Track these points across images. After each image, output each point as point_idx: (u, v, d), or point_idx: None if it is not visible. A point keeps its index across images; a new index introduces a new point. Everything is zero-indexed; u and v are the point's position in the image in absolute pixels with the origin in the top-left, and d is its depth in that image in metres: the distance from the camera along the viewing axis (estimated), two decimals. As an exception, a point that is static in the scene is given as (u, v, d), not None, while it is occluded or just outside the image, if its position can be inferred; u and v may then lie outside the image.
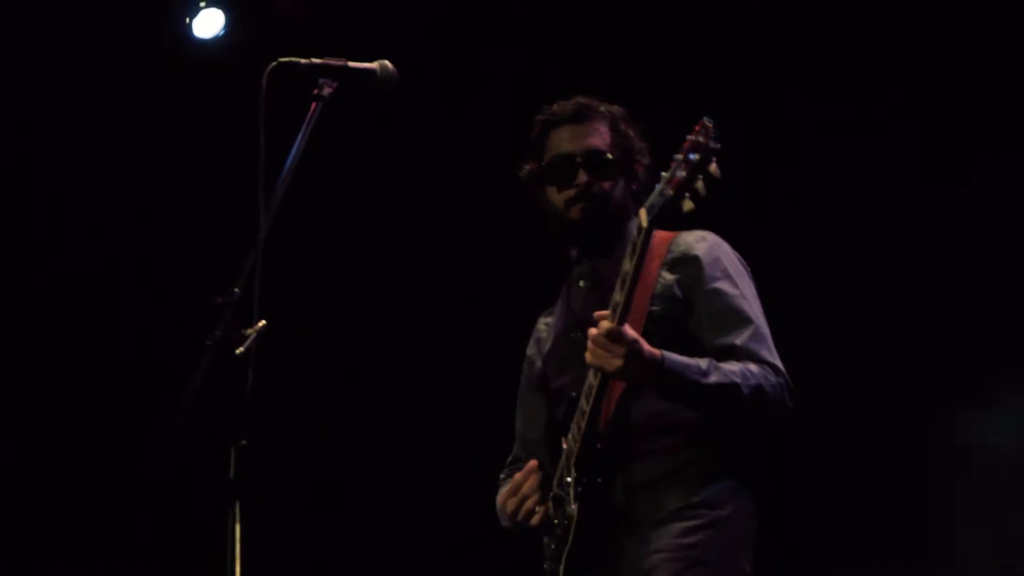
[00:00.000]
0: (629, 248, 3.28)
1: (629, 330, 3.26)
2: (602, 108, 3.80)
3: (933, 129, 5.85)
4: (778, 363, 3.52)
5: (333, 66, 3.34)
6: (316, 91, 3.31)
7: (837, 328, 5.96)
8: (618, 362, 3.24)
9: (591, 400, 3.40)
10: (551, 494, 3.56)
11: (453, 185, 6.38)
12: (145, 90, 6.60)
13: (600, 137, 3.75)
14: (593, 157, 3.72)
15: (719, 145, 3.11)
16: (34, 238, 6.83)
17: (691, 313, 3.58)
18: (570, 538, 3.46)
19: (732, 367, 3.42)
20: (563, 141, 3.76)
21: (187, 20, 6.58)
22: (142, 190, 6.75)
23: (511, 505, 3.63)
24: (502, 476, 3.94)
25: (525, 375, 3.98)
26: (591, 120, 3.77)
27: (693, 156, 3.11)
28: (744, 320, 3.54)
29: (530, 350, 3.98)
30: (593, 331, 3.28)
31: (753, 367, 3.45)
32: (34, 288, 6.80)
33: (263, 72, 3.24)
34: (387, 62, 3.45)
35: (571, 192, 3.71)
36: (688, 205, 3.13)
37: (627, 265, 3.27)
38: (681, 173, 3.13)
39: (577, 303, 3.78)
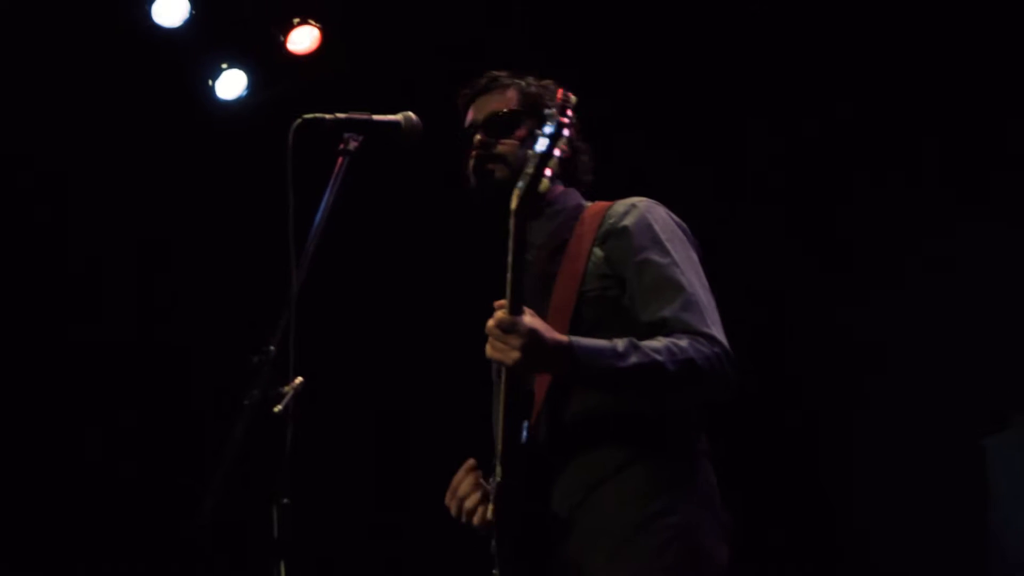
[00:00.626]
0: (510, 232, 3.00)
1: (526, 319, 2.97)
2: (515, 78, 3.63)
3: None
4: (714, 331, 3.18)
5: (357, 120, 3.35)
6: (342, 145, 3.32)
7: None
8: (515, 354, 2.96)
9: (502, 394, 3.10)
10: (490, 492, 3.29)
11: (486, 235, 6.38)
12: (173, 153, 6.67)
13: (504, 102, 3.58)
14: (490, 119, 3.55)
15: (568, 119, 2.93)
16: (69, 299, 6.86)
17: (623, 289, 3.29)
18: (493, 541, 3.22)
19: (656, 344, 3.10)
20: (470, 114, 3.62)
21: (209, 82, 6.65)
22: (174, 251, 6.80)
23: (452, 506, 3.39)
24: None
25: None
26: (499, 89, 3.61)
27: (548, 129, 2.92)
28: (676, 289, 3.22)
29: None
30: (489, 323, 3.00)
31: (682, 340, 3.12)
32: (70, 349, 6.83)
33: (289, 129, 3.25)
34: (411, 113, 3.46)
35: (471, 158, 3.52)
36: (545, 184, 2.91)
37: (510, 249, 2.98)
38: (539, 149, 2.92)
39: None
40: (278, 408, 2.99)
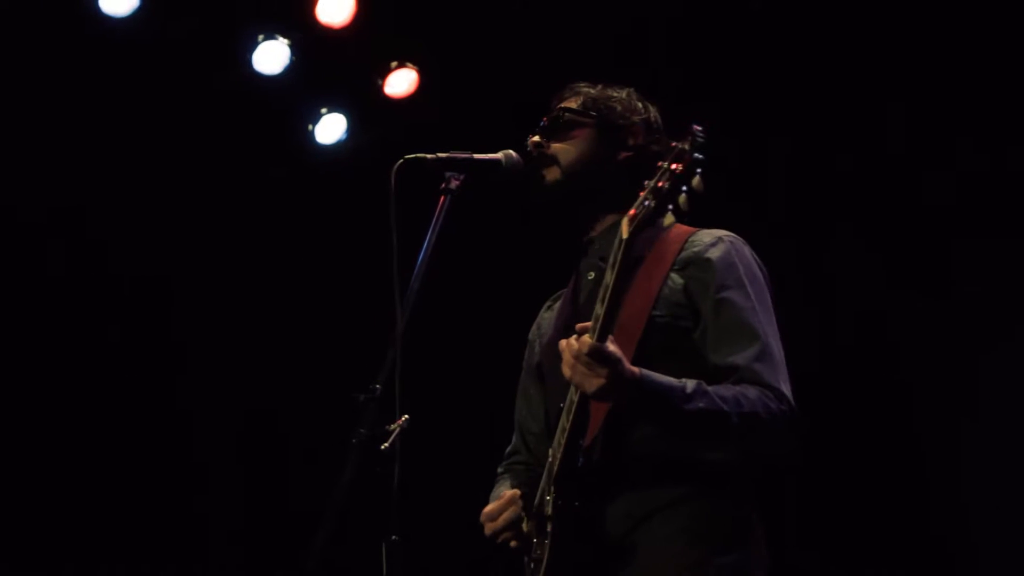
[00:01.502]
0: (611, 258, 2.98)
1: (611, 347, 2.93)
2: (588, 87, 3.55)
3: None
4: (783, 387, 3.13)
5: (459, 159, 3.34)
6: (444, 185, 3.32)
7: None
8: (599, 382, 2.92)
9: (571, 416, 3.07)
10: (534, 507, 3.24)
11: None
12: (276, 197, 6.77)
13: (564, 104, 3.53)
14: (549, 121, 3.50)
15: (702, 156, 2.81)
16: (172, 341, 6.98)
17: (697, 322, 3.22)
18: (545, 561, 3.15)
19: (725, 391, 3.06)
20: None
21: (309, 127, 6.75)
22: (279, 294, 6.89)
23: (487, 529, 3.35)
24: (499, 470, 3.68)
25: (526, 361, 3.70)
26: (569, 96, 3.56)
27: (675, 167, 2.83)
28: (751, 336, 3.16)
29: (532, 334, 3.70)
30: (573, 344, 2.96)
31: (751, 391, 3.08)
32: (177, 393, 6.95)
33: (388, 170, 3.27)
34: (511, 151, 3.45)
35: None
36: (669, 219, 2.85)
37: (608, 277, 2.96)
38: (664, 183, 2.84)
39: (581, 297, 3.45)
40: (385, 446, 3.00)
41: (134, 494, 6.72)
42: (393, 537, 2.97)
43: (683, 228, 3.32)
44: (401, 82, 6.66)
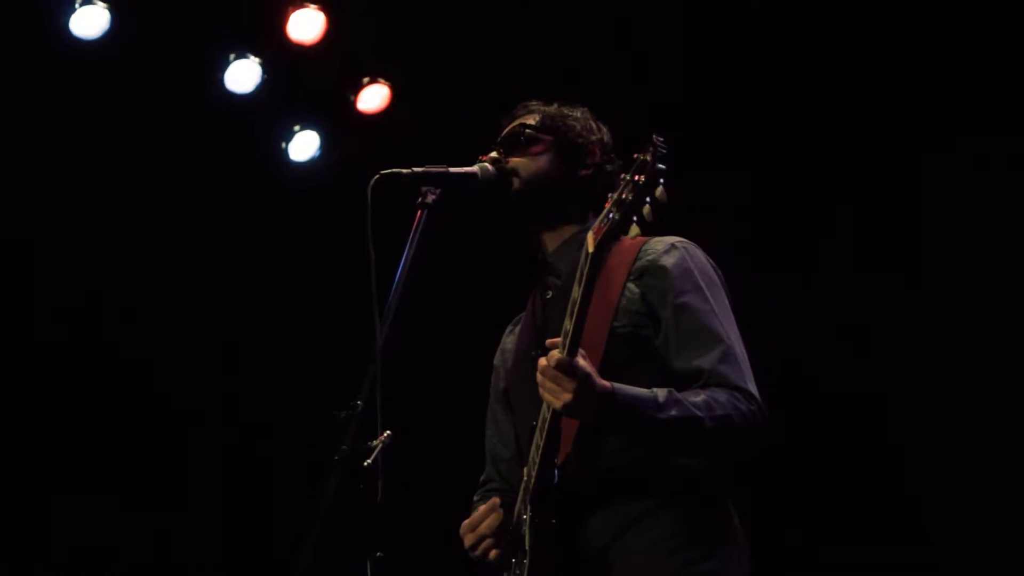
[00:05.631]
0: (578, 272, 3.00)
1: (581, 362, 2.96)
2: (543, 105, 3.60)
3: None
4: (750, 387, 3.16)
5: (434, 173, 3.35)
6: (420, 199, 3.32)
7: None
8: (567, 396, 2.94)
9: (544, 433, 3.09)
10: (511, 526, 3.26)
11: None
12: (249, 216, 6.76)
13: (521, 120, 3.56)
14: (507, 137, 3.54)
15: (664, 166, 2.81)
16: (147, 361, 6.96)
17: (658, 330, 3.24)
18: (506, 574, 3.19)
19: (695, 397, 3.07)
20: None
21: (283, 145, 6.74)
22: (256, 312, 6.87)
23: (468, 540, 3.34)
24: (475, 498, 3.67)
25: (492, 388, 3.70)
26: (524, 113, 3.60)
27: (638, 177, 2.83)
28: (713, 339, 3.18)
29: (496, 361, 3.71)
30: (543, 361, 2.98)
31: (720, 395, 3.10)
32: (158, 410, 6.92)
33: (363, 186, 3.27)
34: (487, 164, 3.46)
35: None
36: (634, 230, 2.86)
37: (575, 292, 2.98)
38: (627, 195, 2.85)
39: (541, 316, 3.46)
40: (367, 462, 3.00)
41: (116, 512, 6.71)
42: (378, 553, 2.96)
43: (632, 239, 3.31)
44: (373, 98, 6.67)
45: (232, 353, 6.94)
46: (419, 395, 5.98)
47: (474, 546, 3.33)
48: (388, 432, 3.04)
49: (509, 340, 3.68)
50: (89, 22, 6.10)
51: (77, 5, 6.06)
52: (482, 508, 3.36)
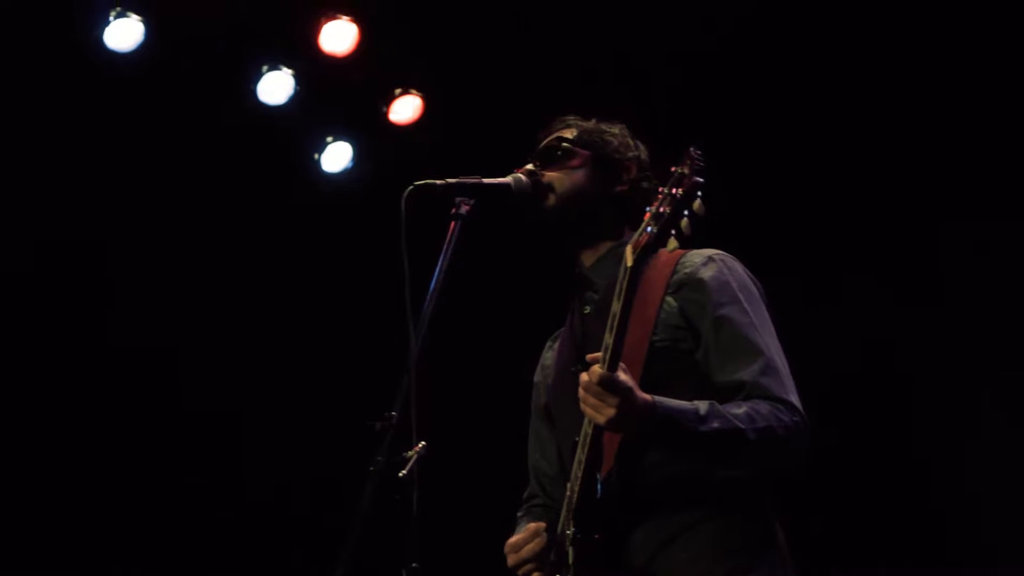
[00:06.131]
0: (617, 287, 3.00)
1: (622, 376, 2.95)
2: (580, 120, 3.59)
3: None
4: (792, 398, 3.14)
5: (468, 184, 3.34)
6: (454, 210, 3.31)
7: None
8: (610, 411, 2.94)
9: (587, 448, 3.07)
10: (556, 540, 3.24)
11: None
12: (283, 226, 6.78)
13: (559, 134, 3.55)
14: (543, 150, 3.53)
15: (702, 179, 2.84)
16: (180, 372, 7.01)
17: (697, 343, 3.22)
18: None
19: (737, 409, 3.06)
20: None
21: (315, 155, 6.76)
22: (292, 323, 6.89)
23: (511, 560, 3.34)
24: (519, 514, 3.63)
25: (533, 403, 3.68)
26: (561, 127, 3.58)
27: (676, 191, 2.86)
28: (754, 351, 3.17)
29: (537, 377, 3.69)
30: (584, 377, 2.97)
31: (763, 406, 3.09)
32: (190, 418, 6.97)
33: (396, 197, 3.26)
34: (521, 175, 3.46)
35: None
36: (672, 244, 2.88)
37: (615, 306, 2.98)
38: (665, 208, 2.88)
39: (580, 331, 3.45)
40: (402, 473, 3.00)
41: (159, 522, 6.79)
42: (413, 564, 2.95)
43: (675, 250, 3.29)
44: (406, 108, 6.68)
45: (265, 364, 6.95)
46: (454, 406, 5.99)
47: (517, 567, 3.34)
48: (423, 443, 3.03)
49: (549, 356, 3.67)
50: (123, 35, 6.15)
51: (112, 18, 6.11)
52: (525, 531, 3.36)
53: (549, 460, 3.56)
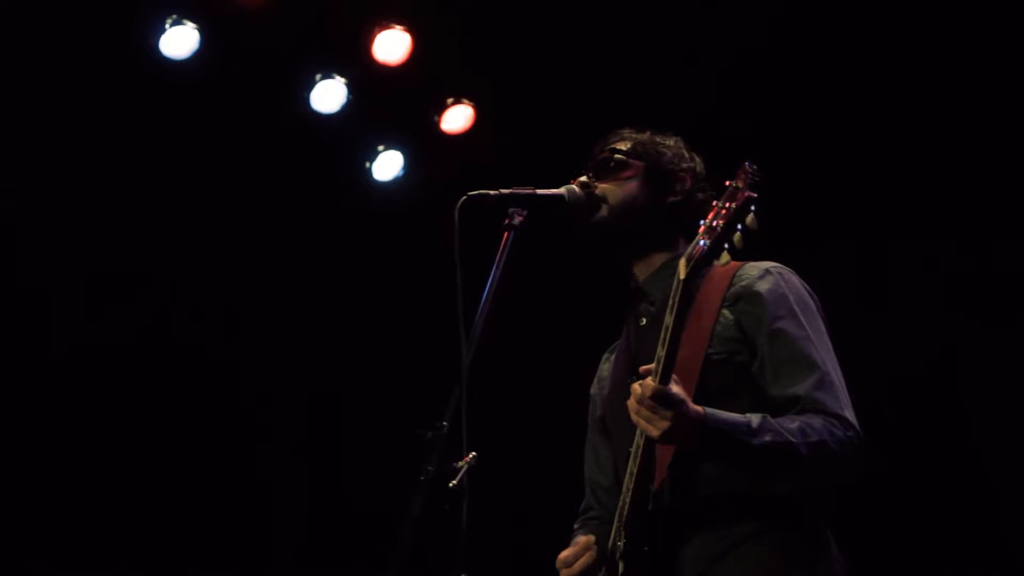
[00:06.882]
0: (670, 300, 3.00)
1: (674, 388, 2.95)
2: (636, 133, 3.59)
3: None
4: (847, 414, 3.12)
5: (521, 195, 3.34)
6: (507, 221, 3.31)
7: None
8: (664, 424, 2.93)
9: (638, 460, 3.07)
10: (608, 551, 3.23)
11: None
12: (335, 235, 6.80)
13: (613, 146, 3.55)
14: (598, 161, 3.53)
15: (756, 193, 2.83)
16: (232, 377, 7.04)
17: (753, 356, 3.21)
18: None
19: (790, 423, 3.04)
20: None
21: (367, 164, 6.79)
22: (344, 332, 6.92)
23: (563, 575, 3.34)
24: (575, 526, 3.64)
25: (590, 416, 3.68)
26: (616, 140, 3.58)
27: (730, 204, 2.85)
28: (809, 366, 3.16)
29: (593, 390, 3.69)
30: (637, 388, 2.97)
31: (816, 421, 3.07)
32: (241, 430, 7.00)
33: (448, 206, 3.26)
34: (575, 186, 3.45)
35: None
36: (724, 258, 2.88)
37: (667, 319, 2.97)
38: (719, 222, 2.87)
39: (636, 343, 3.45)
40: (453, 483, 3.00)
41: (208, 523, 6.83)
42: (462, 575, 2.95)
43: (729, 263, 3.28)
44: (458, 118, 6.70)
45: (317, 373, 6.98)
46: (505, 417, 5.99)
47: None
48: (473, 453, 3.03)
49: (605, 368, 3.67)
50: (179, 42, 6.20)
51: (168, 26, 6.15)
52: (575, 544, 3.36)
53: (605, 472, 3.56)
